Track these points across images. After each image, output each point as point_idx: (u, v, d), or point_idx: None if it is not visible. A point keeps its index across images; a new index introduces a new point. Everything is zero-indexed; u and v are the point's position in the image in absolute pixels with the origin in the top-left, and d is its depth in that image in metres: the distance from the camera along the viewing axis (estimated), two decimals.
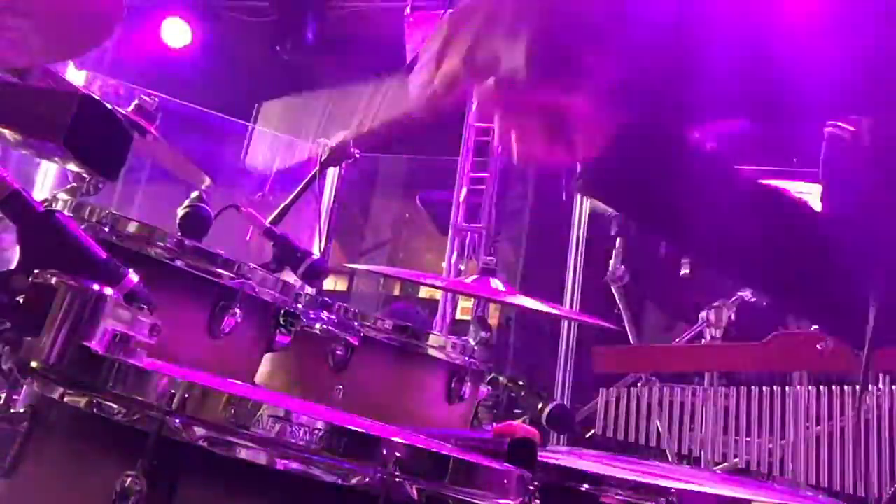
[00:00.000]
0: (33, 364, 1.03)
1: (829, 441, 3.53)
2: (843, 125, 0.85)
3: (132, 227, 1.62)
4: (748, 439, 3.66)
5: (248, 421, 0.97)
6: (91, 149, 1.20)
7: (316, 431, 0.98)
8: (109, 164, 1.25)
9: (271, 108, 7.22)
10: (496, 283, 2.40)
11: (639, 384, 3.81)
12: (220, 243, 1.78)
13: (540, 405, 2.11)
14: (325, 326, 1.95)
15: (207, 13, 7.51)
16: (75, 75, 6.42)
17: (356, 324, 1.98)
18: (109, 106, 1.28)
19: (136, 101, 2.25)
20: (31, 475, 1.04)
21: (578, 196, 5.18)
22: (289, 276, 1.92)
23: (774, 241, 0.78)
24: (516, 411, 2.17)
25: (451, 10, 0.80)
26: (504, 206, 6.97)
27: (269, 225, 2.11)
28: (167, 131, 2.28)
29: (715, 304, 3.69)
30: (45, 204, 1.56)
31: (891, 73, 0.67)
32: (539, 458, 1.32)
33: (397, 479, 0.96)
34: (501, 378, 2.22)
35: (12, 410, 1.08)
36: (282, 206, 2.56)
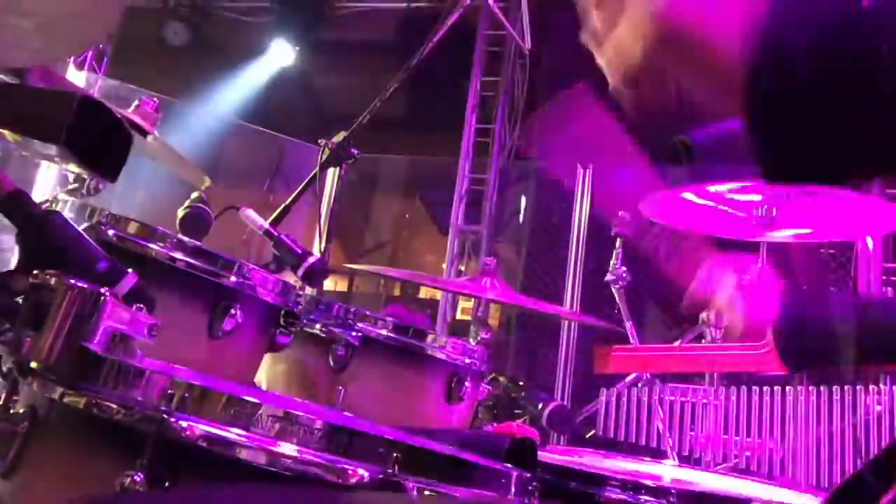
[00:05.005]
0: (33, 364, 1.03)
1: (828, 441, 3.53)
2: None
3: (132, 228, 1.62)
4: (748, 439, 3.66)
5: (247, 421, 0.97)
6: (91, 149, 1.20)
7: (315, 431, 0.98)
8: (109, 164, 1.25)
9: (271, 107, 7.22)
10: (496, 283, 2.39)
11: (639, 384, 3.80)
12: (220, 243, 1.77)
13: (540, 405, 2.11)
14: (325, 326, 1.95)
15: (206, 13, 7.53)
16: (75, 75, 6.42)
17: (356, 324, 1.98)
18: (110, 106, 1.28)
19: (136, 102, 2.25)
20: (31, 475, 1.04)
21: (578, 196, 5.17)
22: (289, 277, 1.91)
23: None
24: (516, 411, 2.16)
25: None
26: (504, 206, 6.97)
27: (269, 225, 2.10)
28: (168, 131, 2.28)
29: None
30: (46, 205, 1.56)
31: None
32: (539, 458, 1.32)
33: (397, 479, 0.96)
34: (501, 378, 2.21)
35: (12, 411, 1.08)
36: (282, 206, 2.55)
